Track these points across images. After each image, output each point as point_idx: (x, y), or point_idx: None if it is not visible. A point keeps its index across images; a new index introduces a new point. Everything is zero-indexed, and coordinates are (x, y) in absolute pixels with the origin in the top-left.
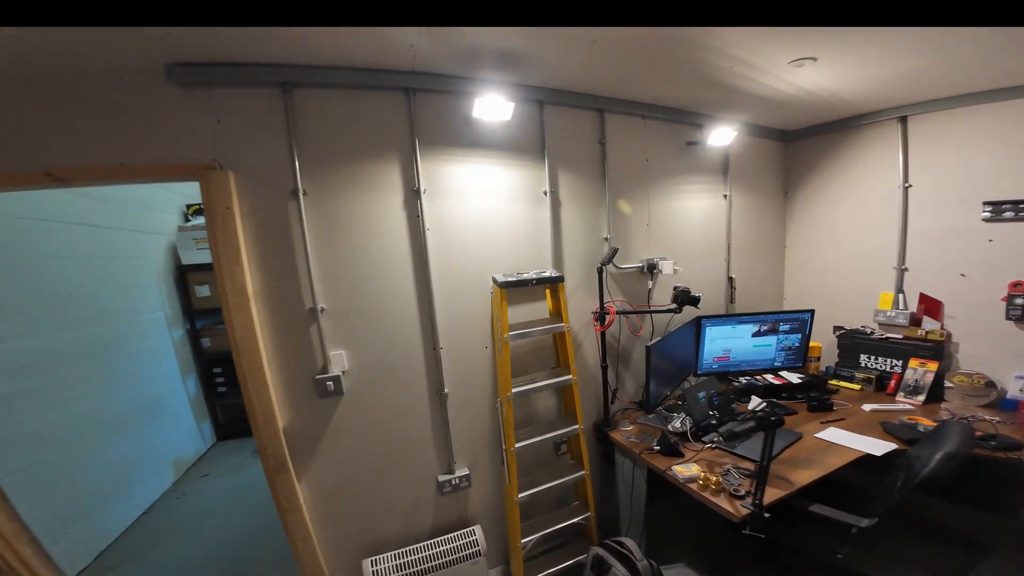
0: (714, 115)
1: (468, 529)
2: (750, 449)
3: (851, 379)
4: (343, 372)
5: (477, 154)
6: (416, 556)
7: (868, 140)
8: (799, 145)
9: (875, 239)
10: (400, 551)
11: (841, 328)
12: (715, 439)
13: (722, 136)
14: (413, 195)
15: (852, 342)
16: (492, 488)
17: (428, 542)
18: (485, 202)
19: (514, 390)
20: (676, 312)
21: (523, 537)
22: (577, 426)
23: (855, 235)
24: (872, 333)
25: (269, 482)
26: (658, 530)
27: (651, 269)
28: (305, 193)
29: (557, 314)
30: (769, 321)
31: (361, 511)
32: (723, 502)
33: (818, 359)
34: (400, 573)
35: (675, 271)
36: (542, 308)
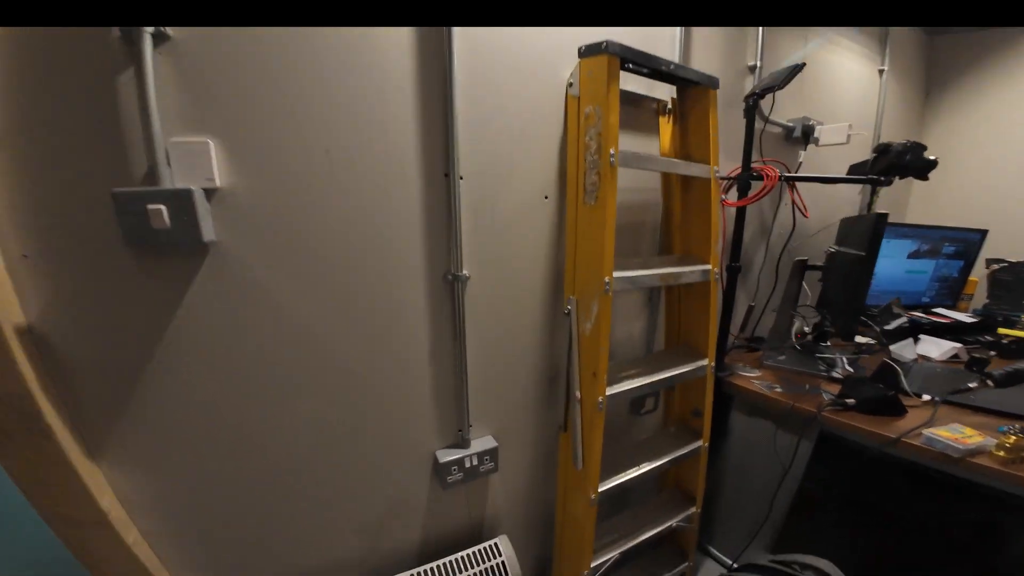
0: None
1: (488, 545)
2: (991, 401)
3: (1013, 325)
4: (214, 187)
5: None
6: None
7: None
8: (951, 39)
9: None
10: None
11: (1001, 260)
12: (968, 385)
13: None
14: None
15: (1016, 279)
16: (533, 475)
17: (414, 572)
18: None
19: (618, 274)
20: (884, 184)
21: (595, 559)
22: (706, 361)
23: None
24: None
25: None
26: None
27: (806, 134)
28: None
29: (687, 155)
30: (933, 238)
31: (274, 524)
32: None
33: (971, 297)
34: None
35: (848, 138)
36: (645, 147)
